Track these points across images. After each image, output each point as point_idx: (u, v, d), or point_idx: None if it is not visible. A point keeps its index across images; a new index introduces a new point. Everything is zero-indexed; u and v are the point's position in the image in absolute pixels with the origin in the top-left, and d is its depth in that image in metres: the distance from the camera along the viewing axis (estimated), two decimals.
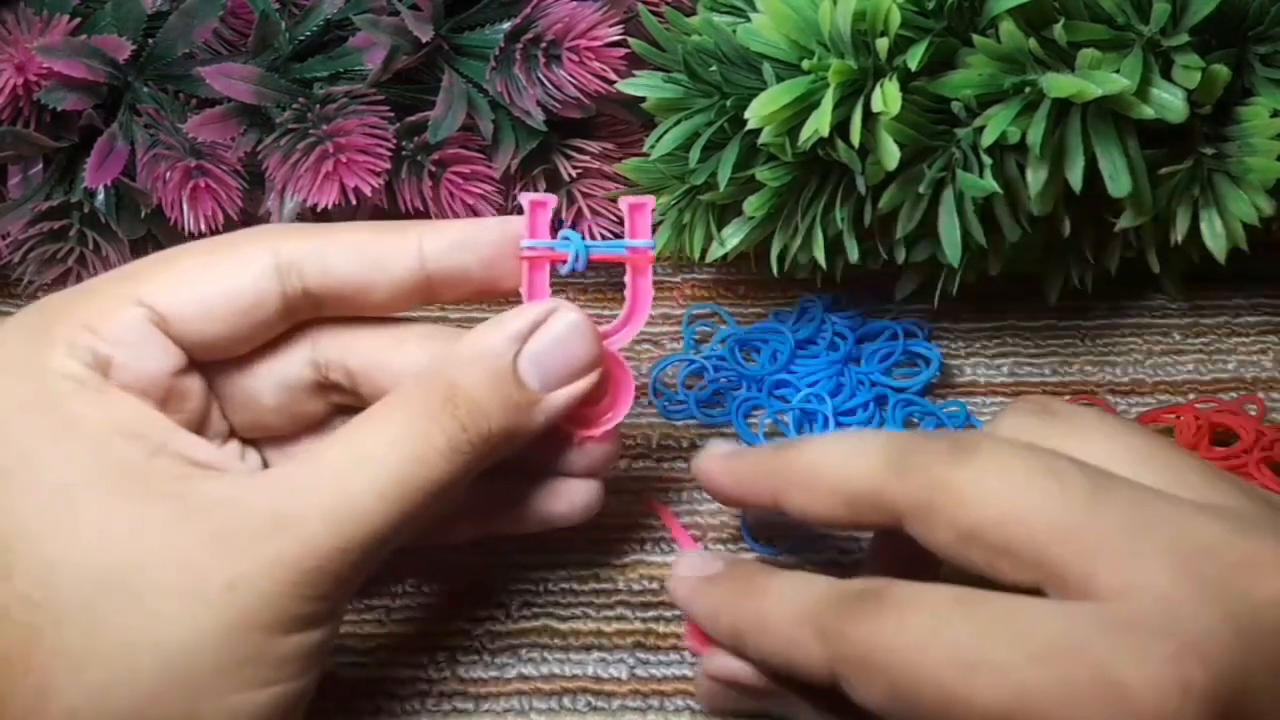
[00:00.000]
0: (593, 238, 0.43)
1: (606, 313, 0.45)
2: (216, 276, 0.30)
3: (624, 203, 0.34)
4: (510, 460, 0.32)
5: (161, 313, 0.30)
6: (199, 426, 0.31)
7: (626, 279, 0.34)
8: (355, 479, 0.28)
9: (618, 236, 0.43)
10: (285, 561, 0.27)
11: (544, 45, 0.40)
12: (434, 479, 0.29)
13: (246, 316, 0.31)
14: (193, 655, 0.26)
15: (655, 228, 0.40)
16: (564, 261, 0.33)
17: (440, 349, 0.32)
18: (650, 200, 0.34)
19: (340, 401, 0.34)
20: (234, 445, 0.33)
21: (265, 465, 0.34)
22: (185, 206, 0.39)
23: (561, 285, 0.46)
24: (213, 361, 0.31)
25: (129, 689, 0.26)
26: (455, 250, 0.32)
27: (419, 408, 0.29)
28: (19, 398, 0.28)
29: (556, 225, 0.33)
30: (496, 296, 0.34)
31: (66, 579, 0.26)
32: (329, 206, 0.39)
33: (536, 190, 0.43)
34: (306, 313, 0.32)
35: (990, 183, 0.36)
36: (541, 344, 0.31)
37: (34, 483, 0.27)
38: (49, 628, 0.26)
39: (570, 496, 0.34)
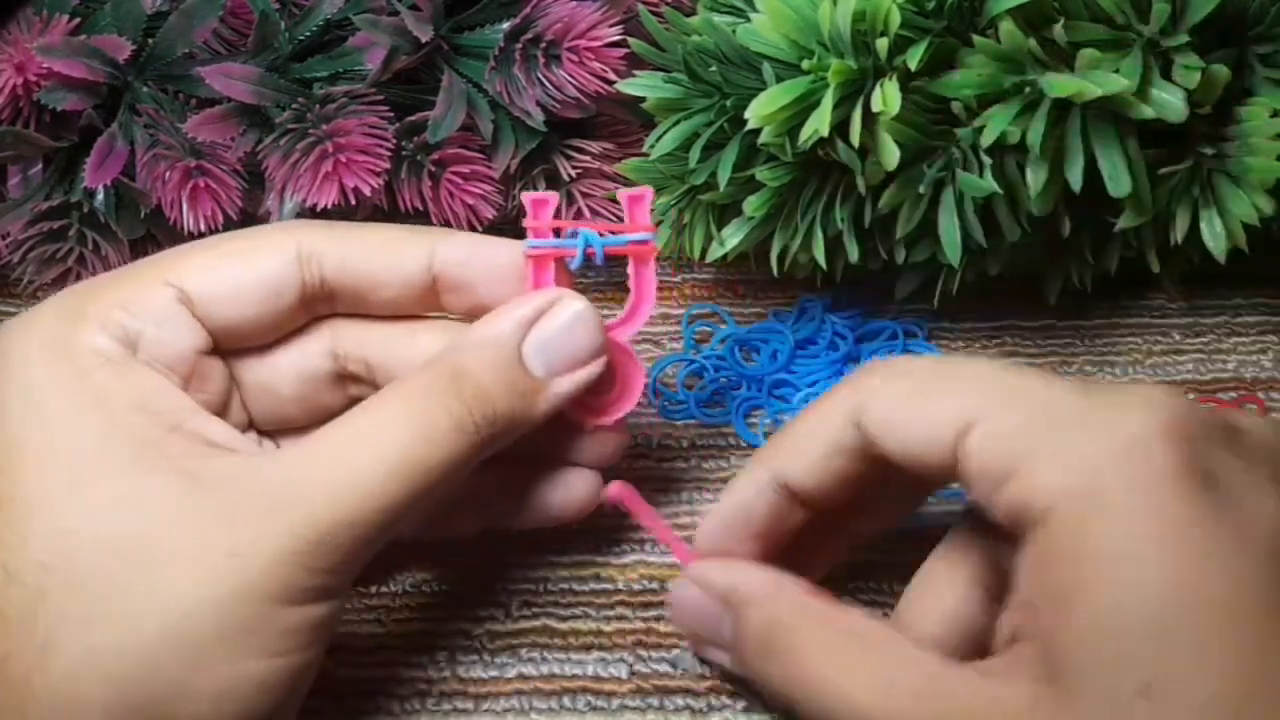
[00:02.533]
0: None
1: (610, 312, 0.45)
2: (243, 261, 0.32)
3: (622, 196, 0.34)
4: (522, 448, 0.32)
5: (190, 293, 0.31)
6: (220, 411, 0.32)
7: (630, 271, 0.34)
8: (360, 454, 0.29)
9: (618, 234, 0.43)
10: (289, 532, 0.27)
11: (544, 45, 0.40)
12: (438, 458, 0.29)
13: (270, 301, 0.32)
14: (194, 621, 0.27)
15: (657, 226, 0.40)
16: (570, 257, 0.33)
17: (451, 339, 0.33)
18: (648, 191, 0.34)
19: (358, 394, 0.34)
20: (252, 435, 0.34)
21: None
22: (185, 206, 0.39)
23: None
24: (236, 350, 0.32)
25: (130, 652, 0.26)
26: (464, 263, 0.33)
27: (425, 388, 0.30)
28: (48, 371, 0.29)
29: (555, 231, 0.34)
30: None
31: (78, 546, 0.27)
32: (329, 206, 0.39)
33: (537, 190, 0.43)
34: (323, 306, 0.33)
35: (990, 183, 0.36)
36: (546, 331, 0.32)
37: (53, 452, 0.28)
38: (58, 591, 0.27)
39: (569, 485, 0.35)
